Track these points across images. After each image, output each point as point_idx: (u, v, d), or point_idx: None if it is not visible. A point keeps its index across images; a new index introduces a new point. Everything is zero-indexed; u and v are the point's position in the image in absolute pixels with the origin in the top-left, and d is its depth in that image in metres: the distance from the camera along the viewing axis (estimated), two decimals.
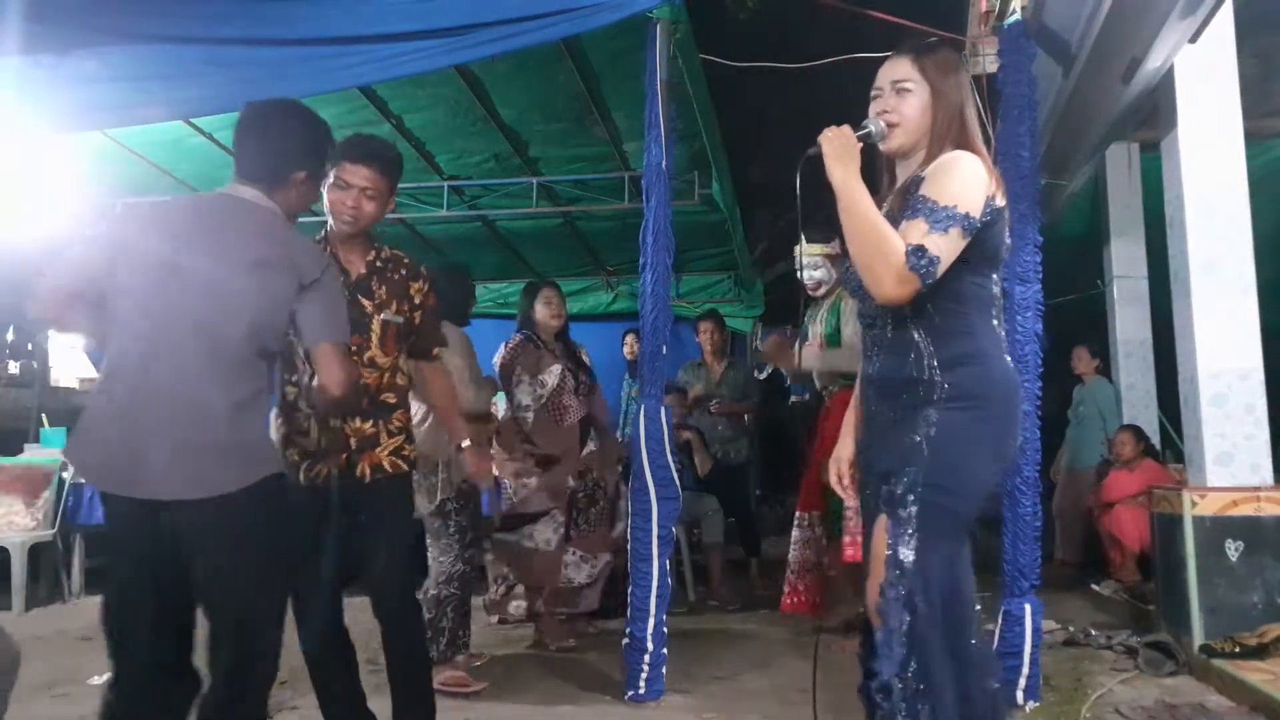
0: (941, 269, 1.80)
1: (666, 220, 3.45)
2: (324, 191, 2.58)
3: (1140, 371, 6.37)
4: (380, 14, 3.51)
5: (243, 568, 1.99)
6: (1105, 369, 6.55)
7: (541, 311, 4.26)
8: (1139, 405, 6.29)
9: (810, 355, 4.00)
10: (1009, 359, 1.93)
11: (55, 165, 5.33)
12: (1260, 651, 3.40)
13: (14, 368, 7.37)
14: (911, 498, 1.82)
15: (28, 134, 4.12)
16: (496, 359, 4.31)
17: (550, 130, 5.62)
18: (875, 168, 2.01)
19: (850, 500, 2.25)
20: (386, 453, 2.62)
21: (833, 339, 3.95)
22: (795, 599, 4.11)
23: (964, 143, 1.92)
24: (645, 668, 3.26)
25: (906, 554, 1.80)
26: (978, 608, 1.84)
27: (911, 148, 1.96)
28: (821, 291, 4.04)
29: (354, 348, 2.56)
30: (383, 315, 2.64)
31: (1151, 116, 4.76)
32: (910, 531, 1.81)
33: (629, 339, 6.95)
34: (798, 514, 4.14)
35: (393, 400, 2.66)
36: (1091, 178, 6.55)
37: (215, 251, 2.04)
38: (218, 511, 1.94)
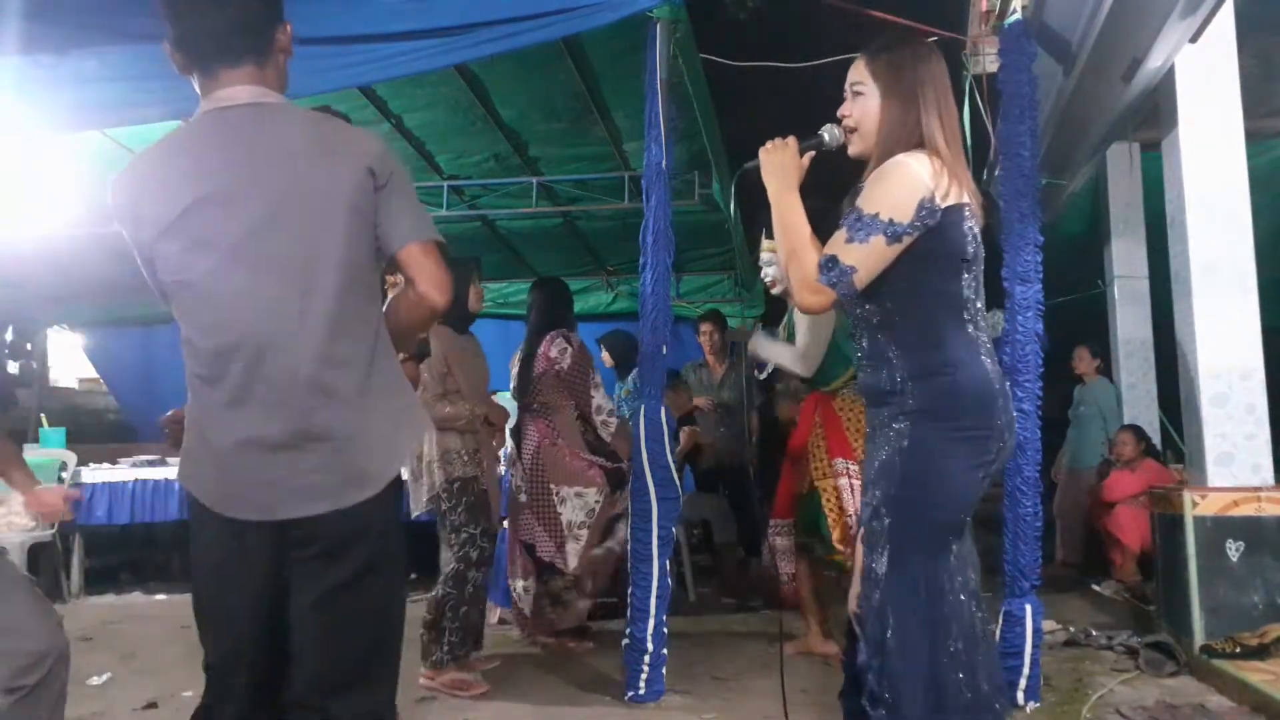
0: (860, 278, 1.78)
1: (666, 220, 3.45)
2: None
3: (1141, 371, 6.37)
4: (380, 14, 3.51)
5: (381, 595, 1.62)
6: (1106, 369, 6.55)
7: (568, 317, 4.28)
8: (1139, 405, 6.29)
9: (757, 343, 4.00)
10: (987, 362, 1.85)
11: (55, 165, 5.33)
12: (1261, 652, 3.39)
13: (14, 368, 7.38)
14: (884, 510, 1.82)
15: (28, 134, 4.11)
16: (557, 355, 4.10)
17: (550, 130, 5.61)
18: (843, 173, 1.99)
19: None
20: None
21: (791, 339, 3.95)
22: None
23: (922, 143, 1.84)
24: (645, 668, 3.25)
25: (880, 566, 1.80)
26: (963, 597, 1.80)
27: (870, 153, 1.92)
28: (778, 289, 3.93)
29: None
30: None
31: (1152, 116, 4.76)
32: (883, 545, 1.80)
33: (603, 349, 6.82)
34: (771, 520, 4.06)
35: None
36: (1092, 178, 6.55)
37: (272, 198, 1.57)
38: (344, 525, 1.56)
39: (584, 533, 4.02)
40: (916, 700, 1.73)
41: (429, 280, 1.64)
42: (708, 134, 4.93)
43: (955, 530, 1.83)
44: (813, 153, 1.97)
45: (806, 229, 1.87)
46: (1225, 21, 3.78)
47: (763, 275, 3.94)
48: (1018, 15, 3.46)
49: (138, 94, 3.73)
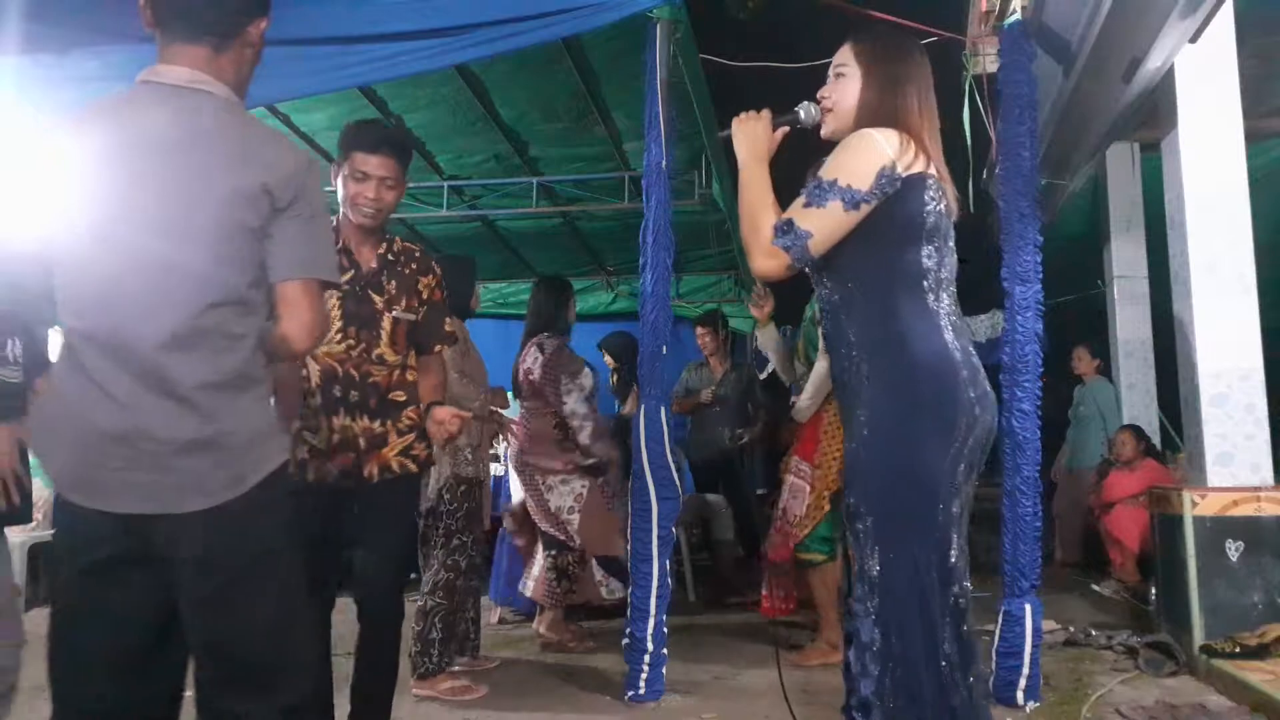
0: (815, 244, 1.76)
1: (666, 220, 3.45)
2: (338, 182, 2.55)
3: (1140, 371, 6.37)
4: (380, 14, 3.51)
5: (251, 596, 1.56)
6: (1105, 369, 6.56)
7: (573, 314, 4.24)
8: (1139, 405, 6.29)
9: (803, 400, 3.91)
10: (949, 335, 1.77)
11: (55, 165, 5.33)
12: (1260, 651, 3.39)
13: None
14: (864, 509, 1.76)
15: (28, 134, 4.11)
16: (530, 365, 4.16)
17: (550, 130, 5.62)
18: (818, 154, 1.97)
19: None
20: (395, 452, 2.57)
21: (810, 355, 3.94)
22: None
23: (898, 125, 1.82)
24: (645, 668, 3.25)
25: (872, 567, 1.74)
26: (963, 602, 1.74)
27: (845, 134, 1.89)
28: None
29: (363, 345, 2.54)
30: (393, 312, 2.58)
31: (1151, 116, 4.75)
32: (870, 544, 1.75)
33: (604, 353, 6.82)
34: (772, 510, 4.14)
35: (402, 398, 2.60)
36: (1091, 178, 6.56)
37: (166, 191, 1.52)
38: (202, 528, 1.52)
39: (574, 517, 4.07)
40: (916, 704, 1.69)
41: (296, 322, 1.60)
42: (708, 134, 4.93)
43: (941, 518, 1.72)
44: (786, 129, 1.96)
45: (768, 196, 1.85)
46: (1225, 21, 3.78)
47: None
48: (1017, 15, 3.46)
49: None
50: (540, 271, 7.82)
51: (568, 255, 7.81)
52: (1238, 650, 3.42)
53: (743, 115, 1.95)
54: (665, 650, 3.31)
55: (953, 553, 1.74)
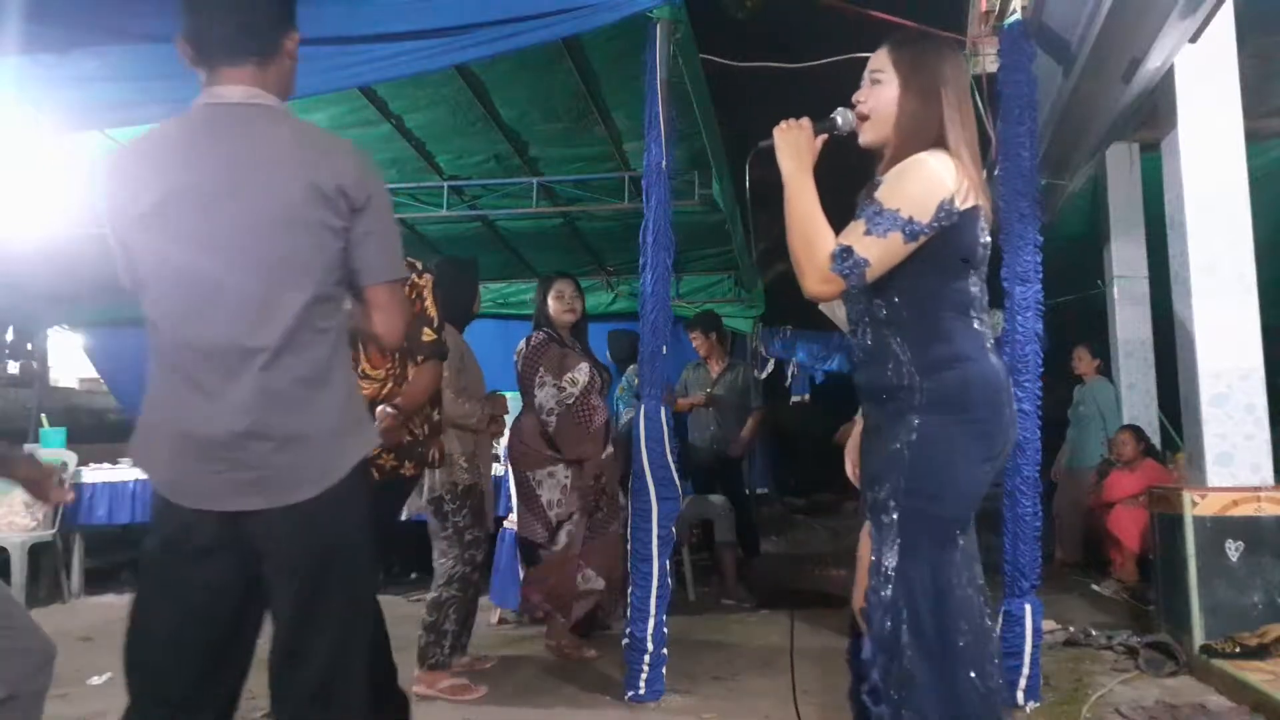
0: (872, 272, 1.78)
1: (666, 220, 3.45)
2: None
3: (1140, 371, 6.38)
4: (380, 14, 3.51)
5: (334, 582, 1.62)
6: (1105, 369, 6.56)
7: (554, 305, 4.07)
8: (1139, 405, 6.29)
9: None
10: (994, 359, 1.87)
11: (55, 165, 5.33)
12: (1260, 651, 3.40)
13: (14, 368, 7.39)
14: (893, 504, 1.81)
15: (28, 134, 4.12)
16: (517, 357, 4.12)
17: (550, 130, 5.61)
18: (850, 161, 1.98)
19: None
20: (389, 456, 2.61)
21: None
22: None
23: (938, 140, 1.84)
24: (645, 668, 3.25)
25: (889, 560, 1.79)
26: (970, 592, 1.80)
27: (884, 142, 1.91)
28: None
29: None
30: None
31: (1151, 116, 4.76)
32: (893, 538, 1.79)
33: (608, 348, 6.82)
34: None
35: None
36: (1091, 178, 6.56)
37: (239, 204, 1.59)
38: (294, 521, 1.59)
39: (560, 510, 3.99)
40: (930, 696, 1.72)
41: (388, 323, 1.72)
42: (708, 134, 4.93)
43: (963, 524, 1.83)
44: (825, 136, 1.95)
45: (820, 213, 1.84)
46: (1225, 21, 3.78)
47: None
48: (1017, 16, 3.46)
49: (138, 94, 3.73)
50: (540, 272, 7.81)
51: (568, 255, 7.80)
52: (1238, 650, 3.42)
53: (784, 124, 1.92)
54: (665, 650, 3.31)
55: (967, 547, 1.82)
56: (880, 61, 1.91)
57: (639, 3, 3.42)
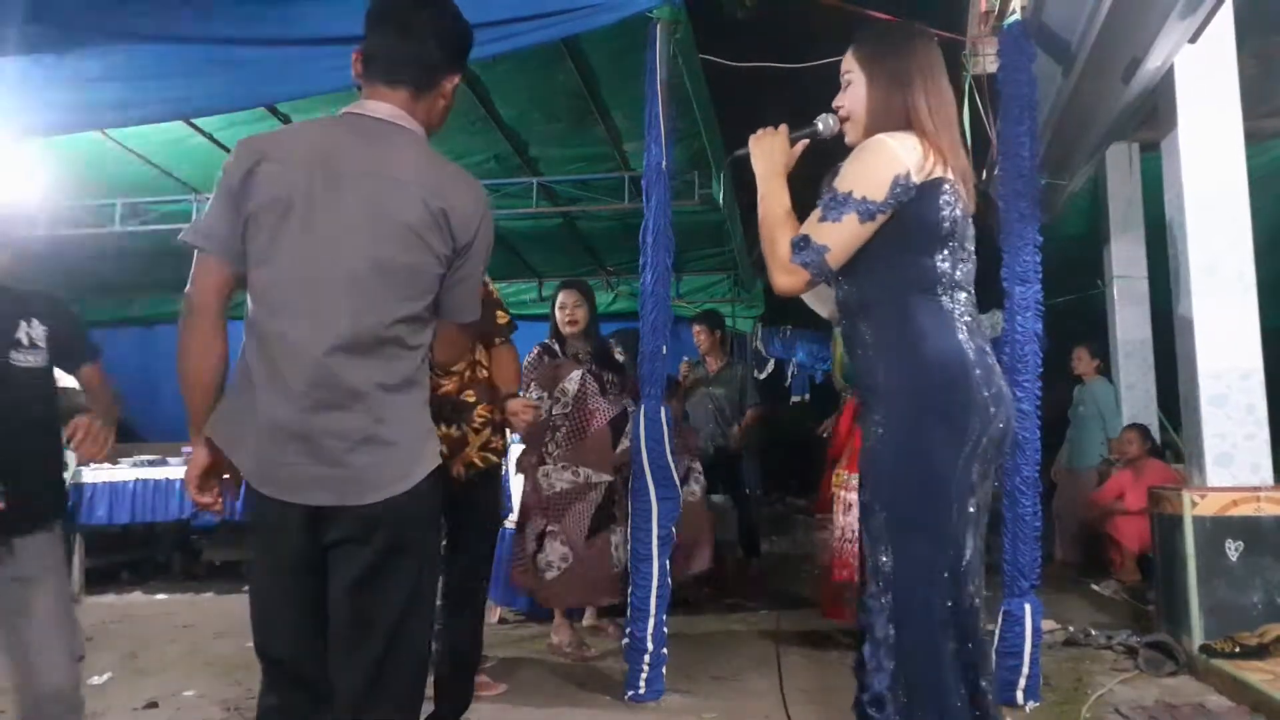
0: (833, 257, 1.76)
1: (666, 220, 3.45)
2: None
3: (1140, 371, 6.38)
4: None
5: (401, 586, 1.67)
6: (1105, 369, 6.56)
7: (557, 316, 4.16)
8: (1139, 405, 6.29)
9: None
10: (961, 336, 1.77)
11: (55, 165, 5.33)
12: (1260, 651, 3.40)
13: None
14: (877, 505, 1.78)
15: (28, 134, 4.12)
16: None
17: (550, 130, 5.62)
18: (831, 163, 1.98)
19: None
20: (475, 449, 2.75)
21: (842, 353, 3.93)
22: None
23: (912, 125, 1.82)
24: (645, 668, 3.26)
25: (885, 563, 1.75)
26: (978, 602, 1.75)
27: (862, 138, 1.89)
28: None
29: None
30: None
31: (1151, 116, 4.76)
32: (884, 540, 1.76)
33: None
34: (816, 515, 4.16)
35: (473, 398, 2.77)
36: (1091, 178, 6.56)
37: (361, 210, 1.65)
38: (366, 520, 1.64)
39: (546, 508, 4.05)
40: (929, 700, 1.70)
41: (448, 354, 1.90)
42: (708, 134, 4.93)
43: (955, 517, 1.72)
44: (805, 142, 1.96)
45: (786, 215, 1.85)
46: (1225, 22, 3.78)
47: None
48: (1017, 16, 3.46)
49: (138, 94, 3.73)
50: (540, 272, 7.83)
51: (568, 255, 7.81)
52: (1237, 650, 3.42)
53: (759, 132, 1.94)
54: (665, 650, 3.31)
55: (966, 553, 1.74)
56: (848, 63, 1.92)
57: (639, 3, 3.42)
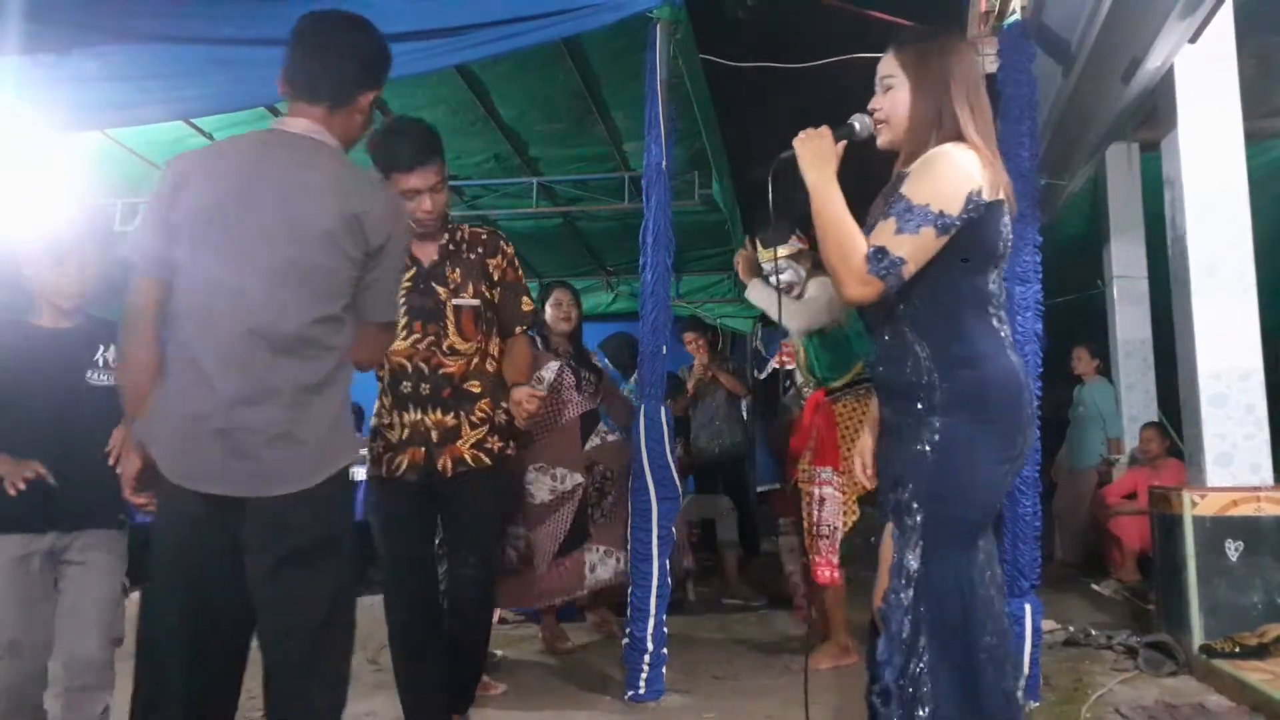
0: (909, 270, 1.77)
1: (666, 220, 3.45)
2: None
3: (1140, 371, 6.37)
4: (380, 14, 3.47)
5: (304, 576, 1.75)
6: (1105, 369, 6.56)
7: (550, 313, 4.22)
8: (1139, 405, 6.29)
9: (754, 285, 3.84)
10: (1013, 357, 1.85)
11: (55, 165, 5.33)
12: (1260, 651, 3.40)
13: None
14: (916, 506, 1.79)
15: (28, 134, 4.12)
16: None
17: (550, 130, 5.62)
18: (872, 167, 1.99)
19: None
20: (468, 445, 2.61)
21: (807, 346, 3.91)
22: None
23: (955, 134, 1.84)
24: (645, 668, 3.25)
25: (912, 562, 1.77)
26: (1003, 603, 1.82)
27: (901, 143, 1.91)
28: (796, 291, 3.96)
29: (432, 337, 2.58)
30: (455, 301, 2.62)
31: (1151, 116, 4.76)
32: (916, 540, 1.78)
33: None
34: (781, 520, 4.13)
35: (477, 389, 2.65)
36: (1091, 178, 6.56)
37: (277, 218, 1.77)
38: (277, 511, 1.73)
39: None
40: (954, 698, 1.71)
41: (368, 354, 1.96)
42: (708, 134, 4.93)
43: (984, 525, 1.82)
44: (845, 141, 1.94)
45: (849, 218, 1.83)
46: (1224, 21, 3.78)
47: (782, 282, 3.88)
48: (1017, 16, 3.46)
49: (138, 94, 3.73)
50: (540, 272, 7.83)
51: (568, 255, 7.81)
52: (1237, 650, 3.42)
53: (804, 134, 1.91)
54: (665, 650, 3.31)
55: (981, 544, 1.81)
56: (889, 66, 1.92)
57: (639, 3, 3.42)
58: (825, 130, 1.92)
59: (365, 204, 1.81)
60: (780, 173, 1.97)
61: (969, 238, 1.80)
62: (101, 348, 2.48)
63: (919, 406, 1.83)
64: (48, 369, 2.38)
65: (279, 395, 1.73)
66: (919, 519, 1.78)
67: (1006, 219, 1.85)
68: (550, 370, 4.14)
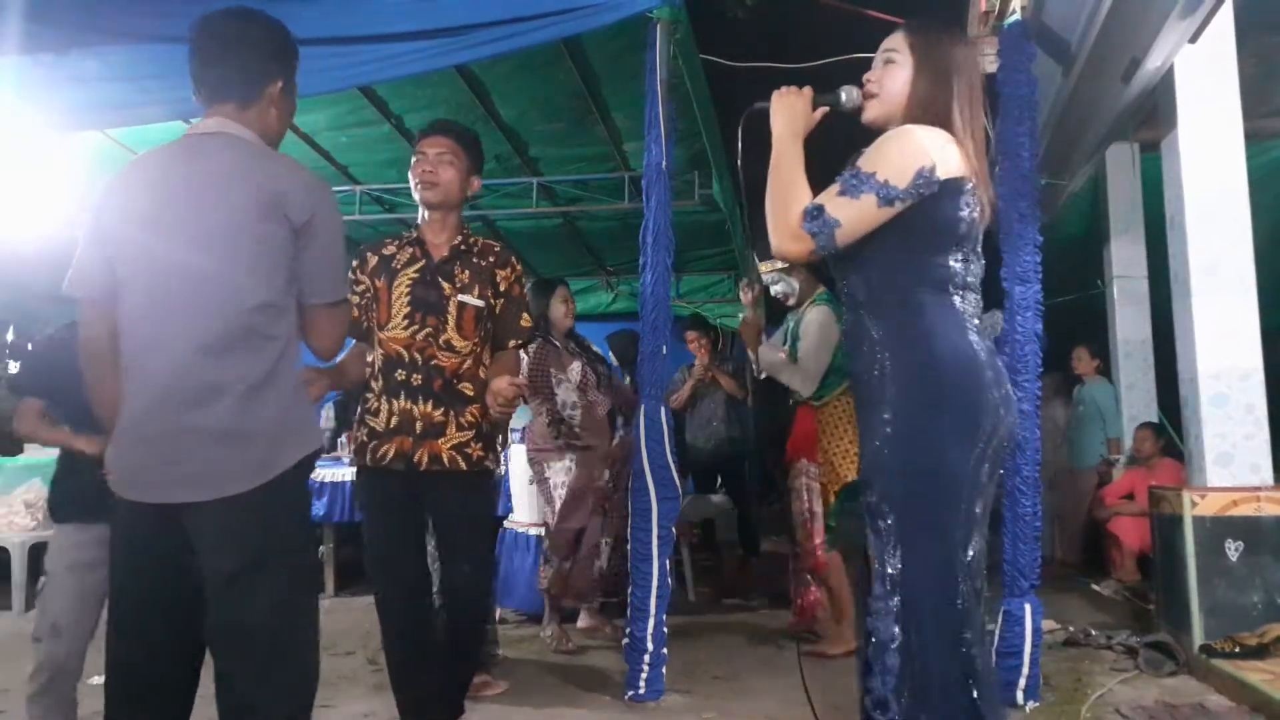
0: (843, 235, 1.74)
1: (666, 220, 3.45)
2: (410, 174, 2.73)
3: (1140, 371, 6.37)
4: (380, 14, 3.51)
5: (263, 581, 1.72)
6: (1105, 369, 6.55)
7: (558, 310, 4.24)
8: (1139, 405, 6.29)
9: (763, 351, 4.09)
10: (971, 336, 1.76)
11: (55, 165, 5.33)
12: (1260, 651, 3.40)
13: (14, 368, 7.38)
14: (886, 508, 1.74)
15: (28, 134, 4.12)
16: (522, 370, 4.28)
17: (550, 130, 5.62)
18: (853, 140, 1.96)
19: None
20: (448, 445, 2.60)
21: (792, 351, 3.98)
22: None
23: (942, 123, 1.81)
24: (645, 668, 3.25)
25: (893, 565, 1.72)
26: (981, 603, 1.75)
27: (887, 121, 1.88)
28: (792, 301, 4.09)
29: (430, 329, 2.59)
30: (460, 297, 2.64)
31: (1151, 116, 4.75)
32: (893, 543, 1.73)
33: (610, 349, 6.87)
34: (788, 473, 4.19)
35: (470, 391, 2.64)
36: (1091, 178, 6.55)
37: (195, 215, 1.78)
38: (229, 514, 1.70)
39: (562, 491, 4.15)
40: (938, 704, 1.68)
41: (322, 341, 1.91)
42: (708, 134, 4.93)
43: (964, 518, 1.71)
44: (825, 109, 1.92)
45: (801, 176, 1.82)
46: (1224, 22, 3.78)
47: (776, 293, 4.11)
48: (1017, 16, 3.46)
49: (138, 94, 3.73)
50: (540, 272, 7.82)
51: (568, 255, 7.81)
52: (1237, 650, 3.42)
53: (783, 89, 1.90)
54: (665, 650, 3.31)
55: (972, 553, 1.73)
56: (896, 42, 1.89)
57: (639, 3, 3.42)
58: (808, 91, 1.91)
59: (282, 184, 1.80)
60: (751, 125, 1.96)
61: (922, 215, 1.76)
62: None
63: (872, 396, 1.80)
64: None
65: (223, 393, 1.71)
66: (890, 520, 1.74)
67: (968, 199, 1.78)
68: (574, 372, 4.20)
